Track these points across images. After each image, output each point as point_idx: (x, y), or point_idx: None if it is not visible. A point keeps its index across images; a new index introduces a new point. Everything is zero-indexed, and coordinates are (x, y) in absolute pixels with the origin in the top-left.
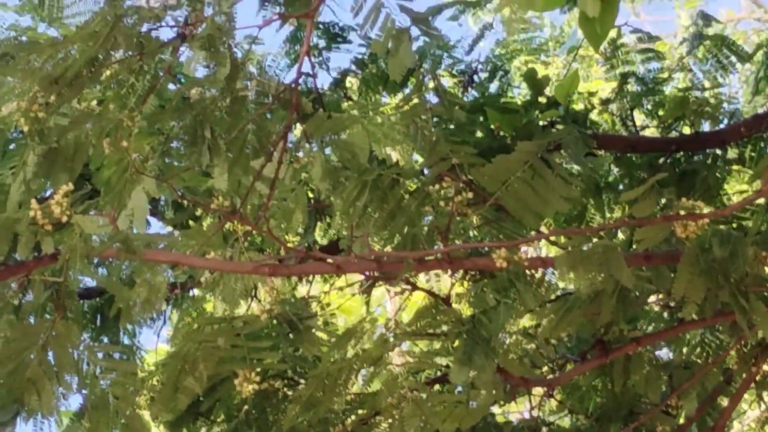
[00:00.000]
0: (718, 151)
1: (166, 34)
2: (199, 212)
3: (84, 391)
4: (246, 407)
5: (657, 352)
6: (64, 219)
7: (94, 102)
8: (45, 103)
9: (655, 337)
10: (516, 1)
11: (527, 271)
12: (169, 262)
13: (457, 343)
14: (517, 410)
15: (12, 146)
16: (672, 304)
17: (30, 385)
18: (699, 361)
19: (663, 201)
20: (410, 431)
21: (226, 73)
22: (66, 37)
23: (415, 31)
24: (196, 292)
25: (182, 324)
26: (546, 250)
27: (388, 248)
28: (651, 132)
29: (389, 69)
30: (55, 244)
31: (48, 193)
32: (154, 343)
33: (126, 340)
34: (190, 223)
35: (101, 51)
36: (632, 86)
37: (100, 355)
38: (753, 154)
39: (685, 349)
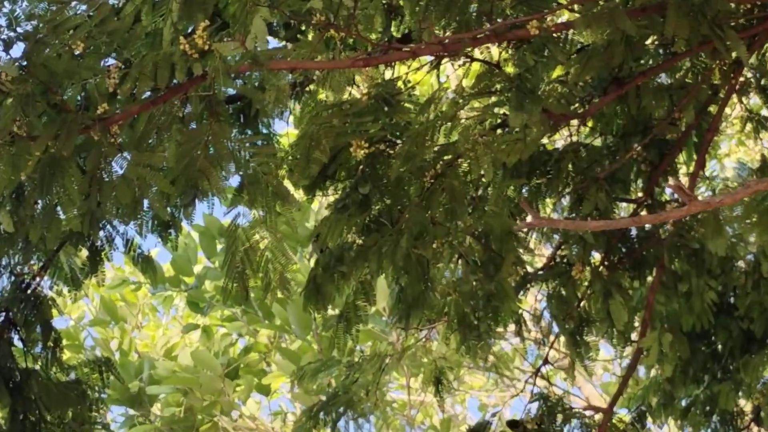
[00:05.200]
0: None
1: None
2: (303, 28)
3: (240, 173)
4: (361, 166)
5: (659, 80)
6: (206, 48)
7: None
8: None
9: (657, 69)
10: None
11: (554, 35)
12: (288, 67)
13: (510, 96)
14: (561, 138)
15: None
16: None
17: (201, 173)
18: (691, 81)
19: None
20: (484, 165)
21: None
22: None
23: None
24: (311, 87)
25: (305, 112)
26: (567, 16)
27: (449, 33)
28: None
29: None
30: (202, 67)
31: (190, 30)
32: (284, 128)
33: (264, 130)
34: (299, 37)
35: None
36: None
37: (247, 144)
38: None
39: (679, 74)
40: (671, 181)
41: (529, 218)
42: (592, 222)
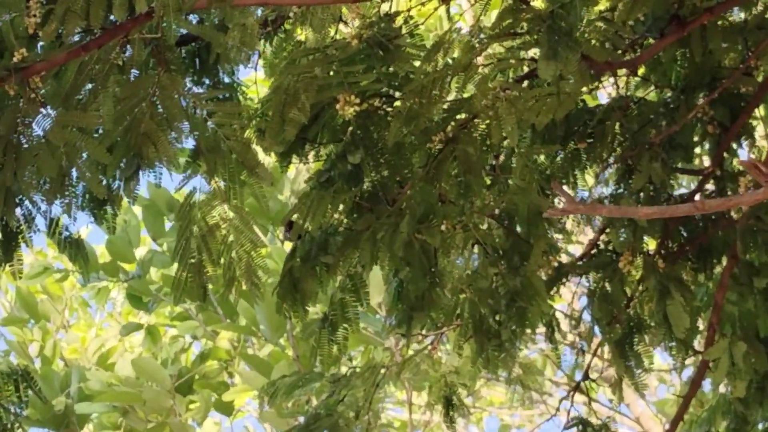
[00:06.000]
0: None
1: None
2: None
3: (195, 136)
4: (350, 128)
5: (731, 18)
6: None
7: None
8: None
9: (728, 4)
10: None
11: None
12: (257, 3)
13: (540, 38)
14: (605, 91)
15: None
16: None
17: (146, 138)
18: None
19: None
20: (507, 128)
21: None
22: None
23: None
24: (287, 26)
25: (279, 59)
26: None
27: None
28: None
29: None
30: (148, 2)
31: None
32: (252, 76)
33: (226, 80)
34: None
35: None
36: None
37: (205, 99)
38: None
39: (756, 11)
40: (743, 156)
41: (560, 202)
42: (643, 208)
